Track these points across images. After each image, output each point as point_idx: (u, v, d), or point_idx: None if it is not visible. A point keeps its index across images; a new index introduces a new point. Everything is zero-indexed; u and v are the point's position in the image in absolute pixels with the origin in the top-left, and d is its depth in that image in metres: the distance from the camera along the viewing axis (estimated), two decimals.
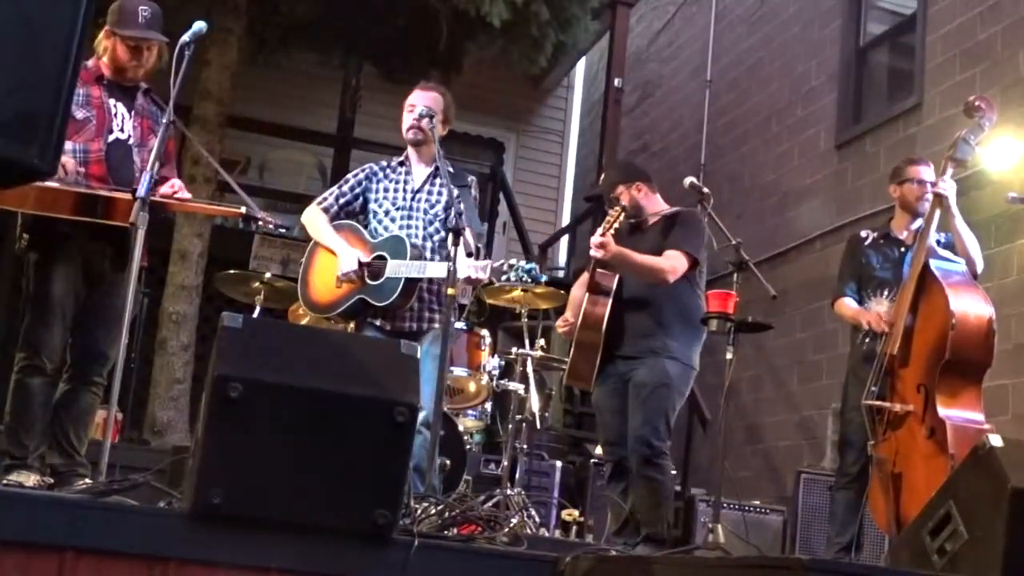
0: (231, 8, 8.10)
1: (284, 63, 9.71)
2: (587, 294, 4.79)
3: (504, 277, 4.36)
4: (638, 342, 4.76)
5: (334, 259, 4.64)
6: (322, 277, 4.70)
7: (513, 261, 4.40)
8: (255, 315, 6.07)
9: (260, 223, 4.22)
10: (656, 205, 5.02)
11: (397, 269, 4.47)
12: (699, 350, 4.87)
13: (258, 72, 9.47)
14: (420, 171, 4.77)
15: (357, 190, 4.78)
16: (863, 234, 5.26)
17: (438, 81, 5.51)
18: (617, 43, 10.96)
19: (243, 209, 4.22)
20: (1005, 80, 6.89)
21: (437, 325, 4.56)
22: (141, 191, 3.87)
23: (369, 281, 4.54)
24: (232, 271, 6.55)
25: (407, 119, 4.71)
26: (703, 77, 10.98)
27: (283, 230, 4.64)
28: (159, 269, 7.87)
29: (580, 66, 13.04)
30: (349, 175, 4.92)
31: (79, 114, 4.07)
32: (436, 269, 4.46)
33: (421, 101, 4.69)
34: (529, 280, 4.38)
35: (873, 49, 8.82)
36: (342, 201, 4.78)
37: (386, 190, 4.75)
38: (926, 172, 5.07)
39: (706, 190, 4.95)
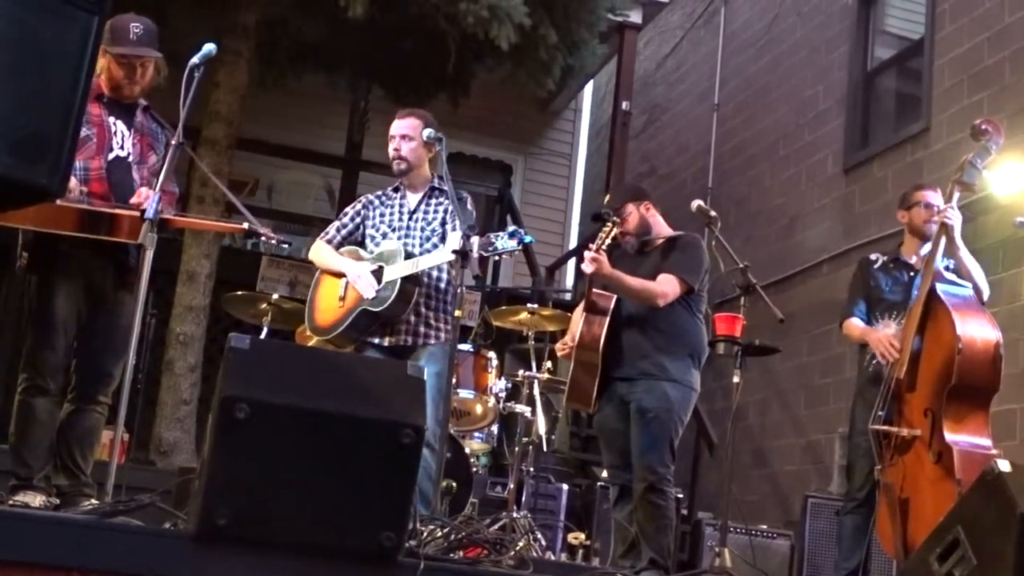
0: (240, 31, 8.13)
1: (293, 85, 9.73)
2: (584, 314, 4.77)
3: (491, 248, 4.38)
4: (636, 363, 4.73)
5: (338, 281, 4.75)
6: (326, 300, 4.81)
7: (499, 233, 4.41)
8: (262, 336, 6.09)
9: (263, 239, 4.24)
10: (661, 228, 5.02)
11: (392, 272, 4.60)
12: (699, 371, 4.84)
13: (267, 94, 9.48)
14: (415, 195, 4.88)
15: (357, 219, 4.93)
16: (873, 257, 5.26)
17: (446, 103, 5.55)
18: (625, 66, 10.99)
19: (245, 224, 4.24)
20: (1013, 105, 6.89)
21: (433, 342, 4.65)
22: (149, 212, 3.88)
23: None
24: (240, 292, 6.57)
25: (390, 150, 4.84)
26: (710, 101, 11.01)
27: (286, 246, 4.70)
28: (166, 290, 7.88)
29: (588, 89, 13.05)
30: (348, 208, 5.06)
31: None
32: (429, 260, 4.60)
33: (398, 130, 4.82)
34: (515, 243, 4.37)
35: (881, 74, 8.83)
36: (344, 232, 4.93)
37: (382, 215, 4.88)
38: (933, 196, 5.10)
39: (713, 213, 4.96)
